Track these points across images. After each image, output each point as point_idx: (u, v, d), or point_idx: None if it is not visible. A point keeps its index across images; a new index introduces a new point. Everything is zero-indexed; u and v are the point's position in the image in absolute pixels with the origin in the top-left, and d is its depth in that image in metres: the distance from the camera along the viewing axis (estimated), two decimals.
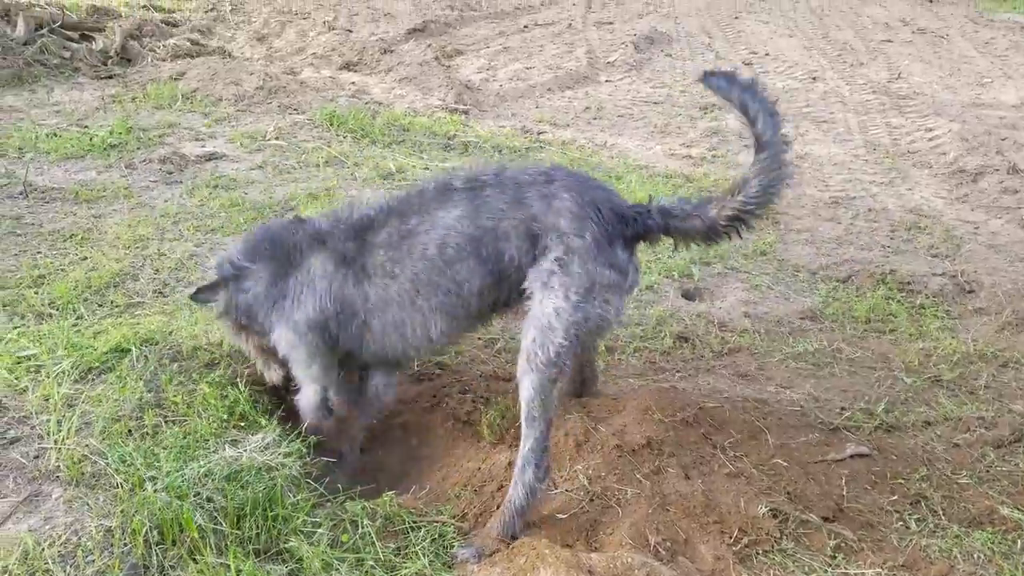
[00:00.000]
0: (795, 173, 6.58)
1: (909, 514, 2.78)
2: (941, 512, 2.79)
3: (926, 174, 6.75)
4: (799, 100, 8.66)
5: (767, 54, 10.51)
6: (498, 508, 2.62)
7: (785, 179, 2.63)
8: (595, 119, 7.91)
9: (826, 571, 2.47)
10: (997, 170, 6.50)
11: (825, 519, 2.70)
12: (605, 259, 2.57)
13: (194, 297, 2.98)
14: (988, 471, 3.05)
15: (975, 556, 2.55)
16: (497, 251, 2.62)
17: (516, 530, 2.52)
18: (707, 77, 2.69)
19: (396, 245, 2.70)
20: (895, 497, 2.86)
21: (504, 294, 2.71)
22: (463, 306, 2.70)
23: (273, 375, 3.07)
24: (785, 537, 2.59)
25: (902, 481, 2.96)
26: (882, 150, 7.29)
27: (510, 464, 2.85)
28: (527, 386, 2.55)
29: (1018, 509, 2.77)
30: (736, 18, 12.47)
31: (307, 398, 2.92)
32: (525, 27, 11.43)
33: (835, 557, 2.54)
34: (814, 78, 9.47)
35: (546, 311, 2.54)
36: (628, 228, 2.66)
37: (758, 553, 2.53)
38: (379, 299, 2.72)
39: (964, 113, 8.10)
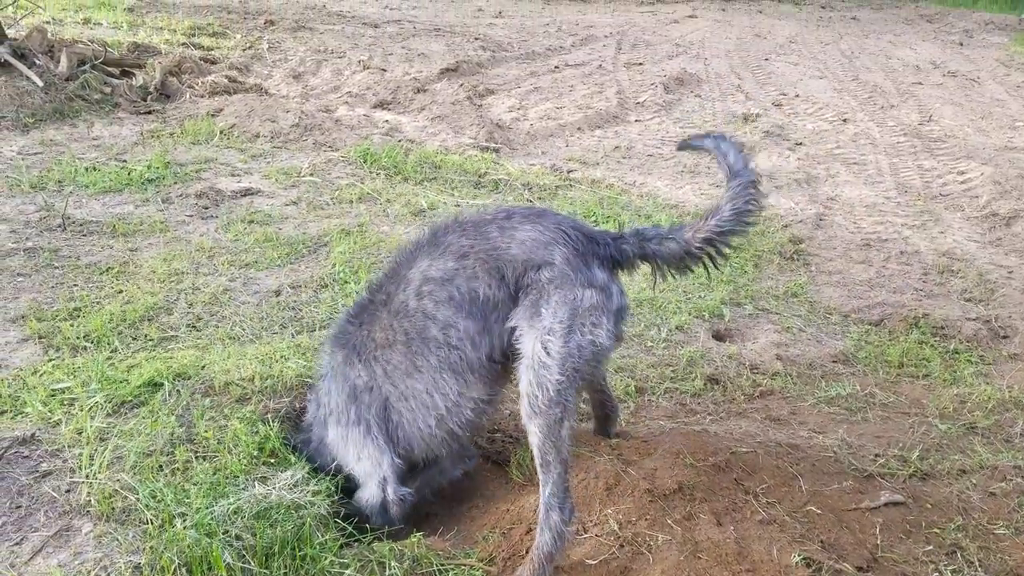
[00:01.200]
0: (828, 214, 6.57)
1: (944, 564, 2.71)
2: (977, 563, 2.72)
3: (958, 217, 6.68)
4: (829, 142, 8.64)
5: (797, 95, 10.53)
6: (527, 552, 2.59)
7: (754, 204, 2.74)
8: (624, 158, 7.96)
9: None
10: None
11: (859, 569, 2.64)
12: (583, 279, 2.55)
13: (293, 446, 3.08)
14: None
15: None
16: (471, 291, 2.61)
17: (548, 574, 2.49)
18: (682, 144, 3.11)
19: (383, 313, 2.77)
20: (930, 547, 2.79)
21: (497, 340, 2.66)
22: (461, 358, 2.66)
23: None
24: None
25: (937, 531, 2.89)
26: (913, 192, 7.23)
27: (537, 505, 2.83)
28: (534, 431, 2.51)
29: None
30: (766, 59, 12.54)
31: (365, 494, 2.84)
32: (556, 67, 11.60)
33: None
34: (844, 120, 9.46)
35: (536, 350, 2.50)
36: (600, 248, 2.66)
37: None
38: (385, 373, 2.76)
39: (996, 157, 8.02)
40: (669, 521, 2.75)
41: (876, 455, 3.40)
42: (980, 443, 3.55)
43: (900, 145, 8.56)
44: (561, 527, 2.51)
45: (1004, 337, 4.67)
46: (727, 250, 2.76)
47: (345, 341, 2.86)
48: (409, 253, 2.81)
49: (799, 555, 2.60)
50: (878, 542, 2.79)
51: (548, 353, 2.48)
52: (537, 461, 2.54)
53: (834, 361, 4.33)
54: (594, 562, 2.59)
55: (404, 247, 2.88)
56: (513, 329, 2.60)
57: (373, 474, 2.79)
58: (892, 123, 9.34)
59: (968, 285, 5.35)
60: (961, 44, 14.03)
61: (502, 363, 2.71)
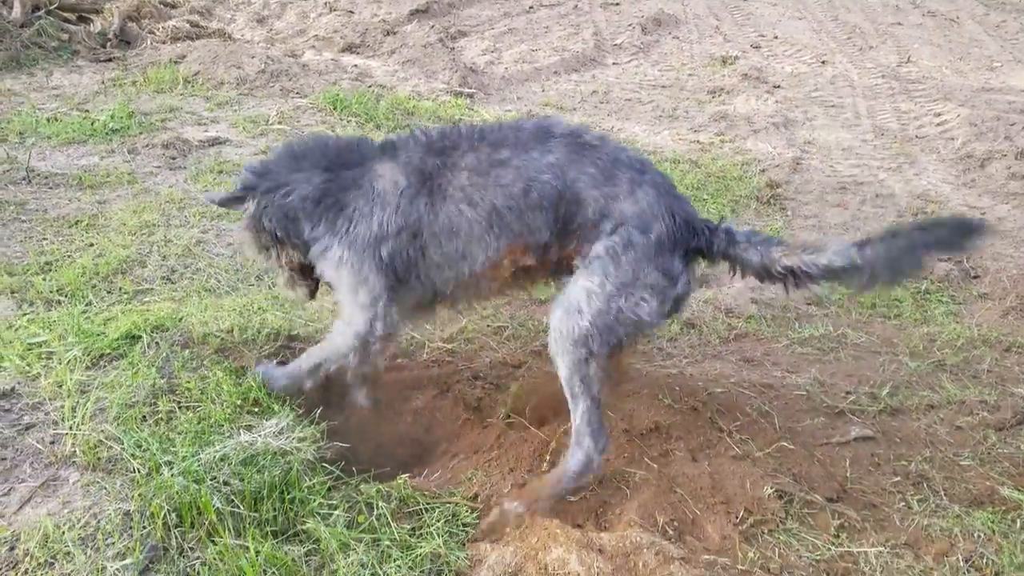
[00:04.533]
0: (805, 158, 6.60)
1: (911, 494, 2.81)
2: (943, 492, 2.82)
3: (934, 159, 6.74)
4: (807, 84, 8.62)
5: (776, 37, 10.44)
6: (511, 489, 2.67)
7: (851, 274, 2.50)
8: (602, 103, 7.89)
9: (829, 550, 2.50)
10: (1005, 155, 6.49)
11: (829, 500, 2.74)
12: (660, 263, 2.55)
13: (220, 202, 2.87)
14: (989, 453, 3.08)
15: (975, 535, 2.59)
16: (570, 213, 2.58)
17: (566, 494, 2.59)
18: None
19: (483, 171, 2.58)
20: (898, 478, 2.90)
21: (555, 259, 2.67)
22: (520, 249, 2.64)
23: (299, 293, 2.95)
24: (790, 517, 2.63)
25: (905, 463, 2.99)
26: (890, 135, 7.27)
27: (520, 446, 2.90)
28: (561, 365, 2.59)
29: (1018, 490, 2.81)
30: (745, 0, 12.38)
31: (349, 326, 2.71)
32: (530, 8, 11.36)
33: (838, 536, 2.57)
34: (823, 62, 9.42)
35: (579, 292, 2.54)
36: (694, 240, 2.63)
37: (763, 532, 2.57)
38: (447, 225, 2.59)
39: (973, 98, 8.06)
40: (646, 459, 2.84)
41: (847, 392, 3.50)
42: (948, 379, 3.66)
43: (878, 87, 8.57)
44: (592, 451, 2.59)
45: (975, 277, 4.78)
46: (812, 290, 2.61)
47: (414, 167, 2.63)
48: (543, 132, 2.64)
49: (771, 488, 2.70)
50: (848, 474, 2.90)
51: (588, 300, 2.52)
52: (566, 392, 2.61)
53: (808, 303, 4.41)
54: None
55: (537, 122, 2.72)
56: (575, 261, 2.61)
57: (367, 308, 2.67)
58: (870, 64, 9.32)
59: None
60: None
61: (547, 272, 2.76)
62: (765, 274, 2.62)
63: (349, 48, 8.97)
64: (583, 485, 2.65)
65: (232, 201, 2.82)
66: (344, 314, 2.78)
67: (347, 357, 2.77)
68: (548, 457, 2.86)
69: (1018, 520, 2.65)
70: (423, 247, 2.64)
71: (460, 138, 2.67)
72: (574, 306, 2.53)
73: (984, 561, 2.46)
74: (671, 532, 2.51)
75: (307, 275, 2.92)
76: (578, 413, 2.60)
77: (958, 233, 2.39)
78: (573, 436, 2.64)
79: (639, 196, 2.57)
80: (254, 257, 2.94)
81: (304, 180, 2.70)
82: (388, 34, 9.30)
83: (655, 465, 2.82)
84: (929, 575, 2.41)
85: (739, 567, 2.39)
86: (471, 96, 7.69)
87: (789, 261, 2.54)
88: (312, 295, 3.02)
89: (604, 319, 2.52)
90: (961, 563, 2.45)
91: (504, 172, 2.58)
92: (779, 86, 8.51)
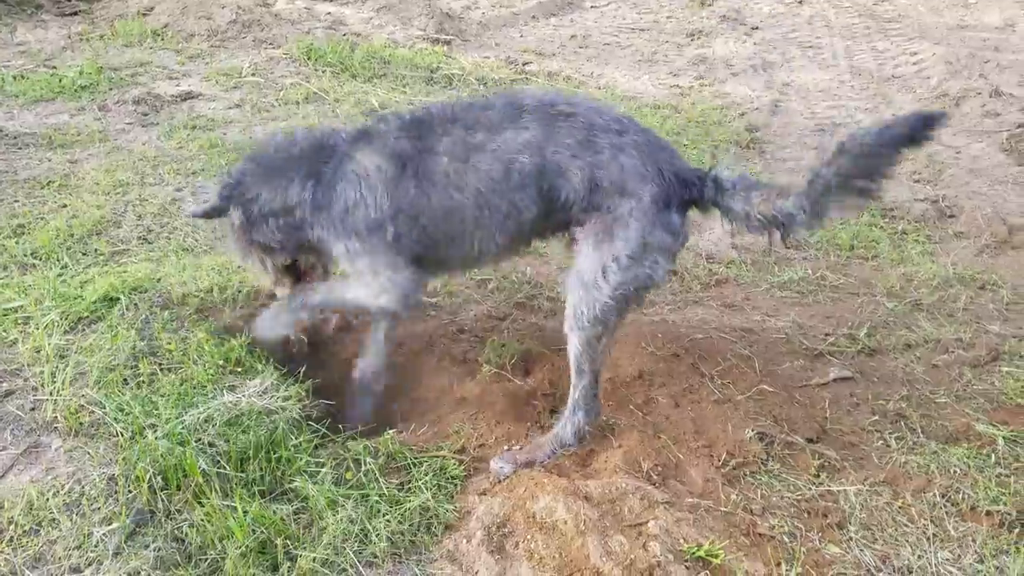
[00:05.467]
0: (783, 100, 6.56)
1: (889, 433, 2.87)
2: (920, 430, 2.88)
3: (910, 99, 6.72)
4: (785, 25, 8.52)
5: None
6: (495, 441, 2.70)
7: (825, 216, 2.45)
8: (581, 48, 7.76)
9: (810, 489, 2.56)
10: (979, 93, 6.49)
11: (809, 440, 2.80)
12: (661, 221, 2.54)
13: (196, 215, 2.85)
14: (965, 390, 3.14)
15: (952, 470, 2.65)
16: (557, 186, 2.56)
17: (555, 458, 2.65)
18: None
19: (461, 156, 2.58)
20: (876, 417, 2.96)
21: (550, 228, 2.70)
22: (518, 230, 2.65)
23: (285, 286, 2.98)
24: (771, 459, 2.69)
25: (883, 402, 3.05)
26: (867, 75, 7.23)
27: (505, 398, 2.92)
28: (574, 342, 2.60)
29: (993, 425, 2.87)
30: None
31: (377, 297, 2.70)
32: None
33: (819, 476, 2.63)
34: (800, 1, 9.29)
35: (594, 269, 2.53)
36: (687, 192, 2.61)
37: (745, 475, 2.62)
38: (442, 208, 2.60)
39: (948, 36, 8.01)
40: (630, 406, 2.88)
41: (826, 334, 3.55)
42: (925, 319, 3.71)
43: (855, 27, 8.48)
44: (582, 424, 2.68)
45: (950, 216, 4.81)
46: (796, 236, 2.55)
47: (391, 150, 2.63)
48: (514, 108, 2.61)
49: (753, 431, 2.75)
50: (827, 415, 2.95)
51: (605, 277, 2.52)
52: (572, 367, 2.65)
53: (787, 247, 4.42)
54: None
55: (512, 96, 2.68)
56: (572, 234, 2.64)
57: (394, 286, 2.68)
58: (847, 4, 9.22)
59: (917, 167, 5.44)
60: None
61: (540, 238, 2.80)
62: (747, 220, 2.59)
63: None
64: (572, 448, 2.71)
65: (212, 212, 2.80)
66: (371, 287, 2.73)
67: (383, 307, 2.73)
68: (535, 405, 2.90)
69: (992, 455, 2.71)
70: (426, 228, 2.65)
71: (433, 121, 2.66)
72: (592, 283, 2.53)
73: (960, 496, 2.52)
74: (655, 477, 2.55)
75: (290, 271, 2.96)
76: (580, 388, 2.65)
77: (918, 127, 2.31)
78: (569, 406, 2.69)
79: (623, 161, 2.55)
80: (243, 264, 2.95)
81: (285, 186, 2.69)
82: None
83: (639, 412, 2.86)
84: (907, 511, 2.48)
85: (722, 509, 2.44)
86: (448, 43, 7.53)
87: (768, 208, 2.51)
88: (297, 282, 3.02)
89: (623, 290, 2.53)
90: (938, 498, 2.51)
91: (482, 157, 2.57)
92: (757, 27, 8.41)
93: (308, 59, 6.56)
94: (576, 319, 2.57)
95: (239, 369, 2.82)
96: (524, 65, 7.13)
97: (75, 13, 7.54)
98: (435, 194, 2.60)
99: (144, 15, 7.27)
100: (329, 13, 8.09)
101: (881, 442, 2.83)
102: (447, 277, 2.97)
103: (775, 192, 2.49)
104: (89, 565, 2.07)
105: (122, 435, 2.41)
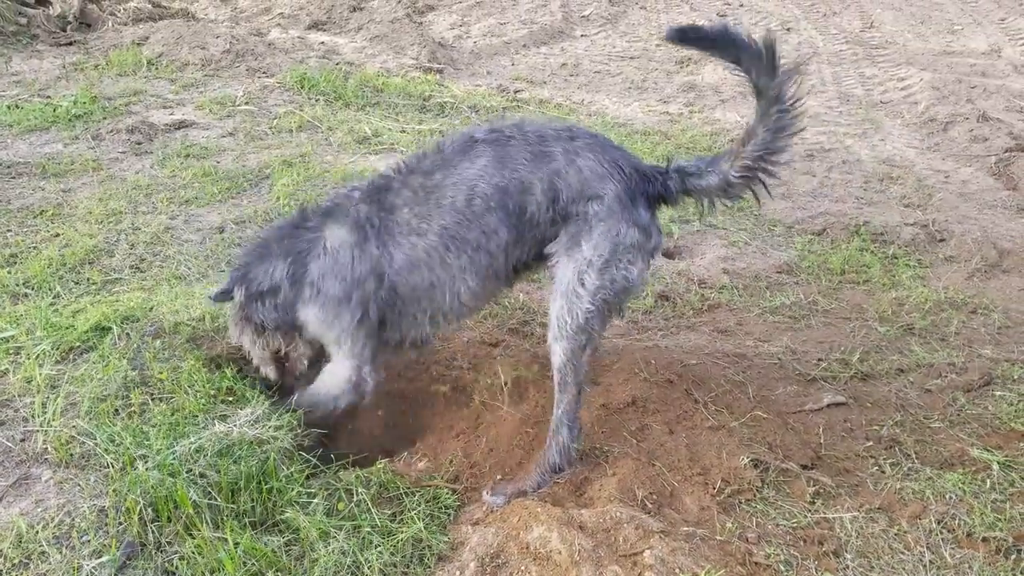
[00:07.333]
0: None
1: (884, 458, 2.86)
2: (914, 456, 2.87)
3: (898, 124, 6.80)
4: None
5: (741, 5, 10.44)
6: (489, 471, 2.68)
7: (791, 118, 2.54)
8: (572, 76, 7.85)
9: (806, 516, 2.55)
10: (967, 118, 6.57)
11: (804, 467, 2.79)
12: (628, 218, 2.57)
13: (215, 298, 2.93)
14: (959, 415, 3.14)
15: (947, 496, 2.64)
16: (522, 205, 2.58)
17: (548, 486, 2.63)
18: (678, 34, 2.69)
19: (422, 201, 2.62)
20: (870, 443, 2.95)
21: (525, 253, 2.69)
22: (491, 264, 2.65)
23: (270, 373, 3.02)
24: (766, 486, 2.67)
25: (877, 427, 3.05)
26: (855, 101, 7.32)
27: (498, 426, 2.91)
28: (558, 353, 2.60)
29: (987, 450, 2.86)
30: None
31: (339, 373, 2.78)
32: None
33: (814, 503, 2.62)
34: (788, 29, 9.44)
35: (571, 277, 2.55)
36: (650, 186, 2.65)
37: (740, 502, 2.60)
38: (407, 260, 2.63)
39: (935, 62, 8.14)
40: (624, 433, 2.87)
41: (819, 359, 3.55)
42: (917, 343, 3.72)
43: (842, 53, 8.61)
44: (569, 443, 2.66)
45: (941, 240, 4.85)
46: (775, 170, 2.60)
47: (353, 220, 2.68)
48: (465, 142, 2.67)
49: (747, 457, 2.73)
50: (821, 441, 2.94)
51: (583, 284, 2.54)
52: (556, 380, 2.65)
53: (779, 272, 4.46)
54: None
55: (459, 134, 2.73)
56: (545, 251, 2.64)
57: (354, 357, 2.74)
58: (835, 31, 9.36)
59: (907, 191, 5.49)
60: None
61: (518, 273, 2.78)
62: (729, 188, 2.65)
63: (315, 25, 8.82)
64: (564, 472, 2.69)
65: (223, 295, 2.88)
66: (335, 361, 2.83)
67: (337, 400, 2.80)
68: (529, 432, 2.89)
69: (988, 480, 2.70)
70: (393, 288, 2.67)
71: (391, 179, 2.72)
72: (571, 291, 2.55)
73: (956, 522, 2.51)
74: (650, 505, 2.54)
75: (278, 360, 2.98)
76: (563, 404, 2.65)
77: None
78: (552, 425, 2.68)
79: (580, 163, 2.59)
80: (245, 346, 2.98)
81: (268, 269, 2.77)
82: (355, 10, 9.15)
83: (633, 439, 2.85)
84: (903, 538, 2.46)
85: (717, 538, 2.42)
86: (440, 71, 7.60)
87: (741, 162, 2.58)
88: (281, 375, 3.04)
89: (602, 294, 2.55)
90: (934, 525, 2.50)
91: (441, 193, 2.61)
92: None
93: (301, 88, 6.61)
94: (560, 329, 2.58)
95: (230, 398, 2.81)
96: (516, 93, 7.20)
97: (70, 43, 7.59)
98: (397, 249, 2.64)
99: (139, 45, 7.33)
100: (323, 43, 8.17)
101: (876, 468, 2.82)
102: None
103: (738, 144, 2.58)
104: None
105: (113, 466, 2.39)
